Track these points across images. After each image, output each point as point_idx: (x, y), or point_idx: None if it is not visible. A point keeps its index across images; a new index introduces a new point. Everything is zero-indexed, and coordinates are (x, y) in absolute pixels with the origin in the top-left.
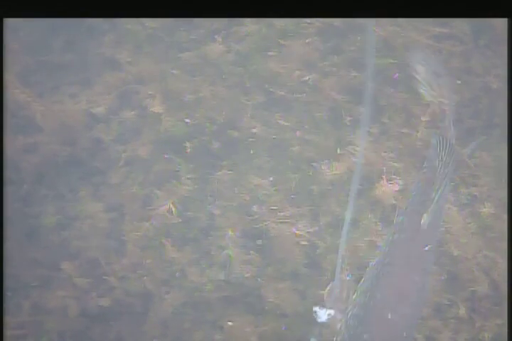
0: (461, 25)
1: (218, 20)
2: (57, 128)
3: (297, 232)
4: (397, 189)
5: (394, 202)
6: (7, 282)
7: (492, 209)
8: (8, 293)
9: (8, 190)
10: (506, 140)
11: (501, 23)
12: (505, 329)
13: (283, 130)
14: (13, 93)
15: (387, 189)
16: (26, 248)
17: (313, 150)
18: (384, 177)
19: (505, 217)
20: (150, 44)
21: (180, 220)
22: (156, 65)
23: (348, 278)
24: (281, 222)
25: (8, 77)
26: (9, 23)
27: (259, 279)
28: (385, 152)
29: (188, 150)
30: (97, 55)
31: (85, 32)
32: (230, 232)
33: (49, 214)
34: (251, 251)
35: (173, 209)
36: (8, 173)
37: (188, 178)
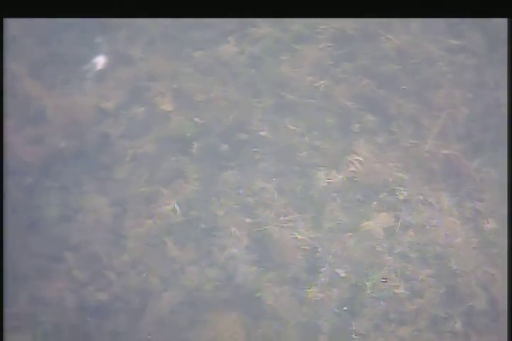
0: (475, 38)
1: (232, 21)
2: (65, 122)
3: (299, 237)
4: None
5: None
6: (5, 272)
7: (495, 225)
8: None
9: (12, 181)
10: None
11: None
12: None
13: (291, 134)
14: (24, 85)
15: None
16: (27, 239)
17: (320, 156)
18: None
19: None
20: (163, 41)
21: (183, 219)
22: (168, 62)
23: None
24: (283, 226)
25: (20, 69)
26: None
27: (259, 282)
28: (391, 162)
29: (195, 150)
30: (110, 50)
31: (98, 27)
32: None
33: (52, 206)
34: (252, 254)
35: (177, 208)
36: (12, 164)
37: (194, 178)
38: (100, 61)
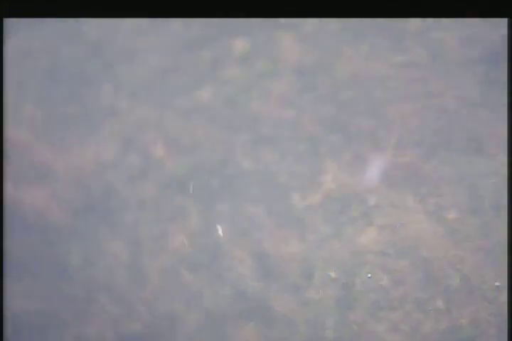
0: (419, 51)
1: (202, 68)
2: (70, 176)
3: (291, 250)
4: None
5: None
6: (48, 319)
7: (457, 215)
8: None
9: (35, 236)
10: (464, 154)
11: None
12: (481, 314)
13: (269, 163)
14: (27, 145)
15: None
16: (60, 285)
17: (297, 179)
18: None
19: (469, 220)
20: (145, 91)
21: (192, 250)
22: (152, 111)
23: None
24: (277, 243)
25: (24, 134)
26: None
27: (266, 293)
28: (358, 175)
29: (191, 188)
30: (97, 104)
31: (84, 82)
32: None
33: (74, 255)
34: (256, 271)
35: (185, 241)
36: (34, 220)
37: (194, 212)
38: None
